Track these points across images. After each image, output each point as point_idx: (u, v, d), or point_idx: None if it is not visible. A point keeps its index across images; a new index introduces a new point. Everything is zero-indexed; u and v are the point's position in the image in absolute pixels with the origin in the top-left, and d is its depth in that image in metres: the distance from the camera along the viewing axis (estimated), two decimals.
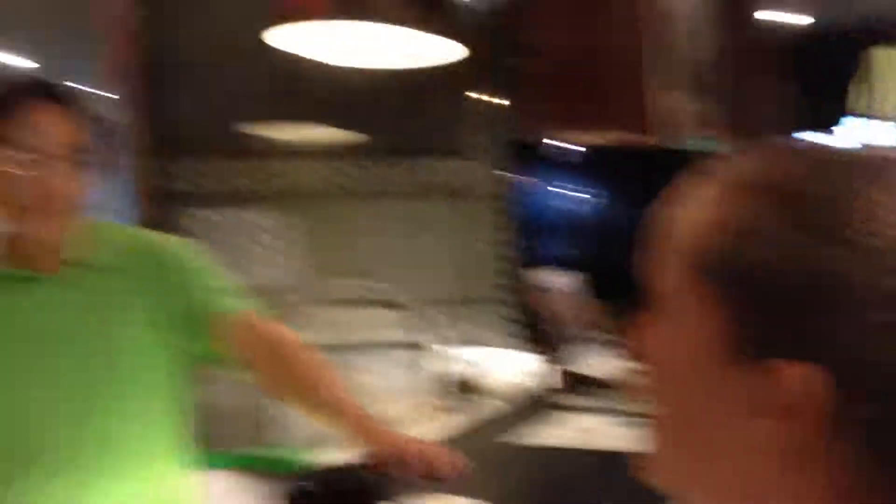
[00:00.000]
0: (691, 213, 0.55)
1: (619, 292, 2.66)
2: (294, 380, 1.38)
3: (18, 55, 6.31)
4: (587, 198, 2.93)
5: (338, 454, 1.45)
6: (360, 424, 1.27)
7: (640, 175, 2.84)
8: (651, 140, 3.18)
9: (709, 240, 0.53)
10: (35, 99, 1.34)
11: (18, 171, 1.31)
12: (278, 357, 1.39)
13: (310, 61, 2.36)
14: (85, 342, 1.38)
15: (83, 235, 1.42)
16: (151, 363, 1.42)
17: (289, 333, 1.44)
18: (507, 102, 3.31)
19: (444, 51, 2.20)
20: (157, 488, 1.42)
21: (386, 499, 0.71)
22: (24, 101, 1.33)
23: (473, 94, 3.36)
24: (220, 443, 2.98)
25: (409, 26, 2.05)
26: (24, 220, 1.34)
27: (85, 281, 1.41)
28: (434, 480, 1.19)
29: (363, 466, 0.79)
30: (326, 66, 2.93)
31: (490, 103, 3.36)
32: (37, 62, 6.41)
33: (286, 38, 2.11)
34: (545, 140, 3.25)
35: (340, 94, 3.21)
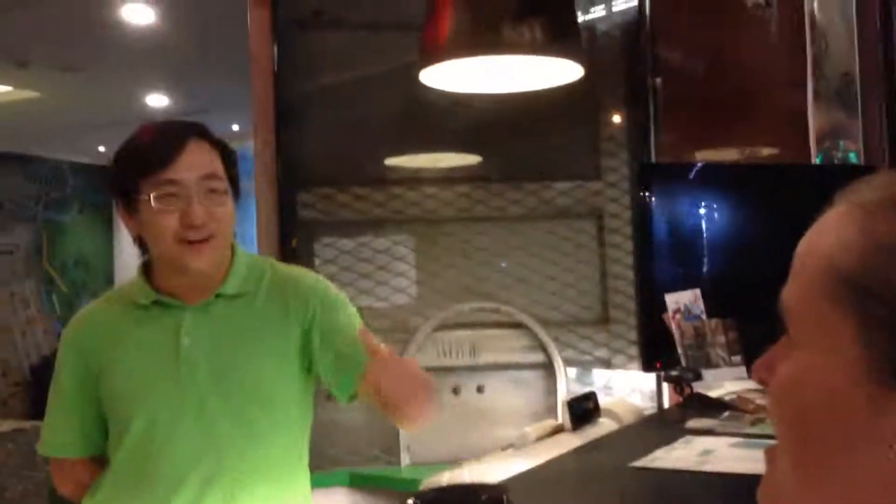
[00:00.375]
0: (832, 232, 0.54)
1: (753, 316, 2.56)
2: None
3: (156, 93, 6.76)
4: (725, 218, 2.84)
5: (458, 475, 1.46)
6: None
7: (788, 193, 2.73)
8: (798, 157, 3.06)
9: (849, 260, 0.52)
10: (189, 138, 1.44)
11: (178, 207, 1.40)
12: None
13: (439, 91, 2.42)
14: (220, 368, 1.45)
15: (228, 266, 1.50)
16: (278, 386, 1.48)
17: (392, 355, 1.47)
18: (642, 122, 3.26)
19: (574, 73, 2.21)
20: None
21: None
22: (182, 142, 1.43)
23: (607, 116, 3.33)
24: (339, 461, 3.08)
25: (539, 53, 2.07)
26: (183, 253, 1.42)
27: (226, 309, 1.49)
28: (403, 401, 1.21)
29: (483, 488, 0.79)
30: (459, 95, 3.00)
31: (624, 124, 3.32)
32: (172, 99, 6.84)
33: (425, 75, 2.18)
34: (682, 160, 3.18)
35: (469, 121, 3.26)
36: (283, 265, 1.60)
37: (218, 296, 1.48)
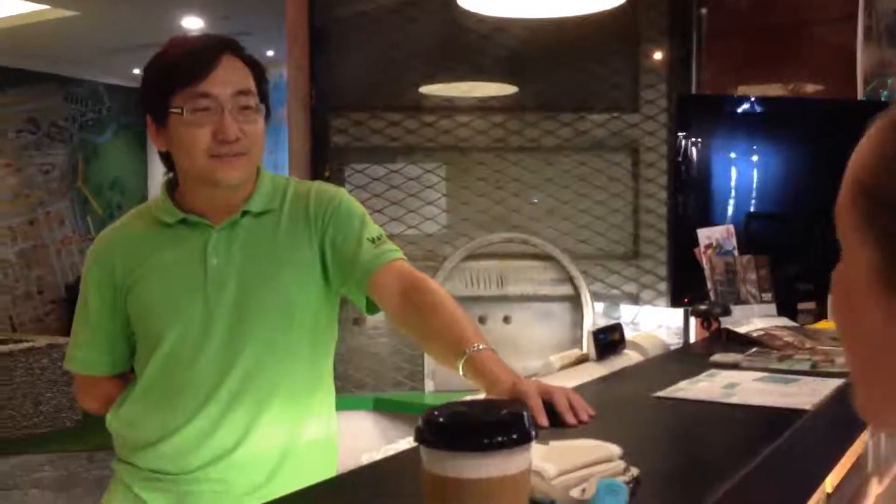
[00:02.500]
0: (860, 148, 0.58)
1: (786, 253, 2.52)
2: (427, 321, 1.40)
3: (191, 15, 6.71)
4: (765, 154, 2.78)
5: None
6: (483, 365, 1.26)
7: (830, 130, 2.66)
8: (844, 94, 2.98)
9: (865, 173, 0.56)
10: (223, 53, 1.42)
11: (210, 121, 1.39)
12: (420, 304, 1.41)
13: (476, 17, 2.36)
14: (247, 287, 1.45)
15: (253, 184, 1.49)
16: (304, 304, 1.48)
17: (432, 282, 1.46)
18: (684, 55, 3.18)
19: (615, 1, 2.14)
20: (300, 424, 1.49)
21: (520, 434, 0.70)
22: (216, 56, 1.41)
23: (648, 47, 3.25)
24: (364, 386, 3.12)
25: None
26: (215, 167, 1.42)
27: (249, 226, 1.48)
28: (558, 425, 1.18)
29: (503, 404, 0.79)
30: (496, 21, 2.93)
31: (666, 55, 3.24)
32: (207, 22, 6.80)
33: None
34: (724, 94, 3.10)
35: (504, 49, 3.20)
36: (304, 181, 1.59)
37: (244, 214, 1.48)
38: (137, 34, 6.80)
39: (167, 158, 1.50)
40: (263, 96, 1.48)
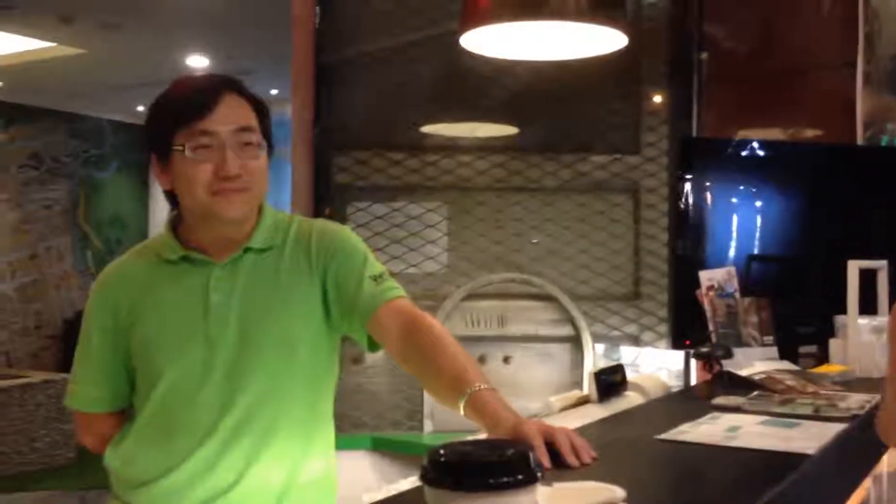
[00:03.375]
0: None
1: (787, 296, 2.52)
2: (429, 361, 1.39)
3: (196, 54, 6.79)
4: (765, 197, 2.79)
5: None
6: (485, 405, 1.26)
7: (830, 175, 2.67)
8: (843, 139, 3.00)
9: None
10: (224, 91, 1.44)
11: (212, 158, 1.40)
12: (421, 342, 1.41)
13: (479, 58, 2.39)
14: (248, 324, 1.45)
15: (255, 221, 1.50)
16: (304, 340, 1.48)
17: (433, 321, 1.46)
18: (685, 98, 3.21)
19: (617, 43, 2.17)
20: (299, 463, 1.47)
21: (526, 474, 0.69)
22: (217, 94, 1.43)
23: (649, 90, 3.28)
24: (363, 425, 3.09)
25: (583, 19, 2.03)
26: (216, 202, 1.42)
27: (254, 264, 1.49)
28: (560, 466, 1.17)
29: (508, 444, 0.78)
30: (499, 63, 2.96)
31: (667, 99, 3.27)
32: (212, 61, 6.87)
33: (465, 39, 2.16)
34: (724, 137, 3.13)
35: (507, 89, 3.23)
36: (307, 219, 1.60)
37: (246, 250, 1.48)
38: (142, 72, 6.87)
39: (171, 196, 1.51)
40: (266, 133, 1.49)
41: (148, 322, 1.48)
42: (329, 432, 1.57)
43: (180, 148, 1.42)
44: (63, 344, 8.49)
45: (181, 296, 1.48)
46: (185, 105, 1.44)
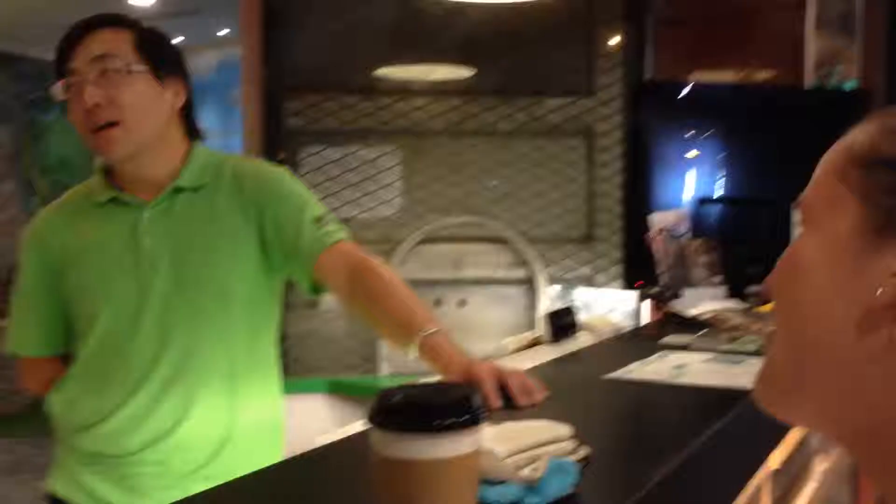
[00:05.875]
0: (853, 132, 0.60)
1: (736, 237, 2.57)
2: (378, 305, 1.38)
3: None
4: (717, 139, 2.82)
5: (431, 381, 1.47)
6: (436, 349, 1.26)
7: (780, 116, 2.70)
8: (795, 81, 3.02)
9: (861, 144, 0.58)
10: (91, 29, 1.40)
11: (77, 94, 1.37)
12: (368, 286, 1.40)
13: None
14: (180, 266, 1.42)
15: (183, 160, 1.46)
16: (239, 281, 1.45)
17: (379, 264, 1.44)
18: (639, 40, 3.20)
19: None
20: (240, 406, 1.46)
21: (470, 416, 0.70)
22: (81, 33, 1.40)
23: (603, 32, 3.26)
24: (318, 369, 3.11)
25: None
26: (94, 142, 1.39)
27: (183, 203, 1.45)
28: (510, 407, 1.19)
29: (453, 388, 0.79)
30: (453, 4, 2.92)
31: (621, 41, 3.26)
32: (160, 1, 6.67)
33: None
34: (677, 80, 3.14)
35: (461, 32, 3.19)
36: (246, 160, 1.57)
37: (175, 190, 1.45)
38: (86, 10, 6.63)
39: None
40: (154, 63, 1.41)
41: (80, 266, 1.45)
42: (272, 376, 1.55)
43: (60, 92, 1.41)
44: (7, 291, 8.35)
45: (111, 238, 1.44)
46: (57, 50, 1.43)
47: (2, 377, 6.06)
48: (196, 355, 1.43)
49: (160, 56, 1.43)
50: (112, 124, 1.38)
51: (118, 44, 1.40)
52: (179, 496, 0.94)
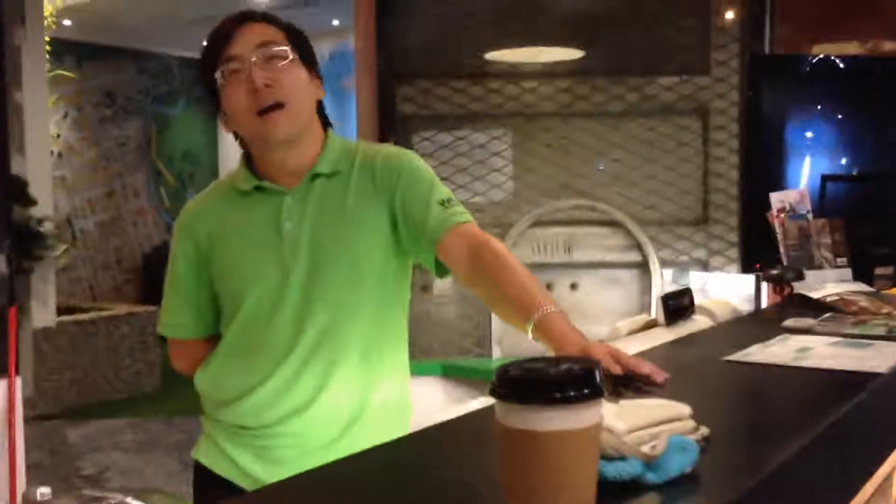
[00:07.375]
0: None
1: (861, 216, 2.46)
2: (498, 285, 1.41)
3: None
4: (840, 115, 2.70)
5: None
6: (553, 328, 1.27)
7: None
8: None
9: None
10: (245, 21, 1.48)
11: (242, 79, 1.43)
12: (489, 266, 1.42)
13: None
14: (319, 248, 1.49)
15: (320, 148, 1.52)
16: (370, 263, 1.51)
17: (501, 245, 1.47)
18: (758, 13, 3.09)
19: None
20: (372, 383, 1.52)
21: (591, 388, 0.71)
22: (236, 24, 1.47)
23: (719, 6, 3.17)
24: (432, 352, 3.15)
25: None
26: (259, 124, 1.46)
27: (320, 189, 1.52)
28: (629, 389, 1.18)
29: (576, 361, 0.79)
30: None
31: (738, 15, 3.16)
32: None
33: None
34: (798, 53, 3.01)
35: (570, 12, 3.17)
36: (375, 145, 1.61)
37: (314, 177, 1.51)
38: (206, 7, 6.90)
39: (236, 136, 1.55)
40: (303, 54, 1.49)
41: (227, 250, 1.54)
42: (402, 355, 1.61)
43: (219, 81, 1.45)
44: (142, 278, 8.78)
45: (255, 223, 1.53)
46: (211, 40, 1.48)
47: (136, 360, 6.41)
48: (332, 332, 1.50)
49: (307, 50, 1.51)
50: (278, 105, 1.45)
51: (275, 34, 1.48)
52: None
